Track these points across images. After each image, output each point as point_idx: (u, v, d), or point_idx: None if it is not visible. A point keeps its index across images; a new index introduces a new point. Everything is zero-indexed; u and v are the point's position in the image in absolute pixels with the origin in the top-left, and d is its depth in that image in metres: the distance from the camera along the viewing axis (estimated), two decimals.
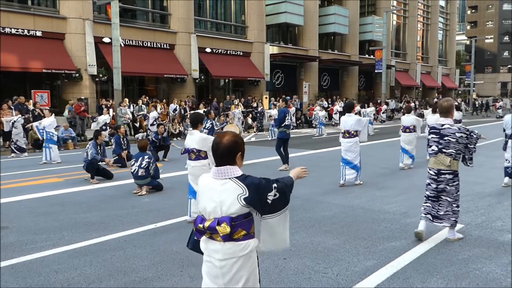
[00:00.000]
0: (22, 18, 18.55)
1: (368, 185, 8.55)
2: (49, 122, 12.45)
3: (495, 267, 4.35)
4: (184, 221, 6.09)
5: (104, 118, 16.15)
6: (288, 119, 10.49)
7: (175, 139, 17.39)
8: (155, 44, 23.06)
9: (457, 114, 14.07)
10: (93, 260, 4.65)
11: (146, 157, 8.11)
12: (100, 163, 9.51)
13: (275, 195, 2.47)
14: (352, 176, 8.43)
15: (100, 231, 5.68)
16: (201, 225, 2.47)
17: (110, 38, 17.79)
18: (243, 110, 23.23)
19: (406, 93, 42.02)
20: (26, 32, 18.54)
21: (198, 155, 6.06)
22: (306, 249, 4.86)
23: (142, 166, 7.95)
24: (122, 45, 17.74)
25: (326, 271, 4.28)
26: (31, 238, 5.43)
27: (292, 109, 11.29)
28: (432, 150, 5.07)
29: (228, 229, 2.38)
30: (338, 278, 4.11)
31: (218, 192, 2.44)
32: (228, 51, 26.49)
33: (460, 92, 58.53)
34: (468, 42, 64.68)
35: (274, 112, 19.70)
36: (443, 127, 5.01)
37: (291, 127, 10.81)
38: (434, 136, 5.08)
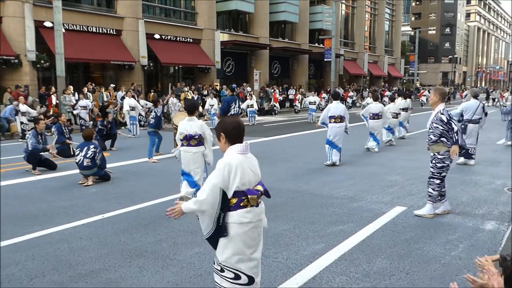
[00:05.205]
0: None
1: (317, 171, 8.75)
2: None
3: (435, 246, 4.58)
4: (133, 211, 5.98)
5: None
6: (235, 107, 10.15)
7: (122, 127, 16.89)
8: (100, 30, 22.16)
9: (403, 103, 14.56)
10: (36, 254, 4.45)
11: (91, 146, 7.83)
12: (42, 152, 9.07)
13: None
14: (336, 157, 9.32)
15: (43, 224, 5.44)
16: (256, 195, 2.80)
17: (52, 22, 16.91)
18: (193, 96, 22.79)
19: (354, 82, 43.12)
20: None
21: (199, 141, 6.18)
22: None
23: (87, 156, 7.67)
24: (64, 31, 16.90)
25: (276, 256, 4.34)
26: None
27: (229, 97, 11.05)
28: None
29: (261, 189, 2.87)
30: (287, 262, 4.18)
31: (251, 163, 2.85)
32: (178, 38, 25.95)
33: (404, 81, 60.77)
34: (412, 33, 66.98)
35: (213, 101, 19.37)
36: None
37: (240, 116, 10.69)
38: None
